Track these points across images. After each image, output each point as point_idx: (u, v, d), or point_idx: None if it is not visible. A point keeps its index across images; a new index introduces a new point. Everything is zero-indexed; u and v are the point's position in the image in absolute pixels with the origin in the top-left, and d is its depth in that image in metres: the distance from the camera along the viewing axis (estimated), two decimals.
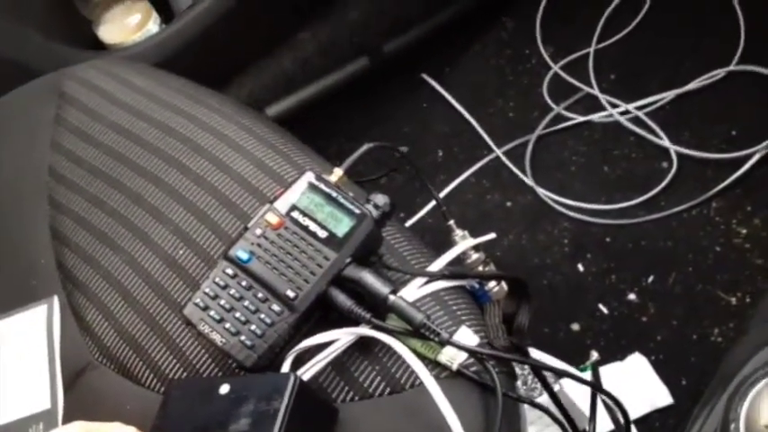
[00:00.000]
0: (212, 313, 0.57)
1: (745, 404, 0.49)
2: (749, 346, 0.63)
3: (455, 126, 1.35)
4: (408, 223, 1.24)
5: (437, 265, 0.63)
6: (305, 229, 0.59)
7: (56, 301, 0.70)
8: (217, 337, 0.57)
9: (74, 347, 0.67)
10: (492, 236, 0.66)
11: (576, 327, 1.11)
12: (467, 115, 1.33)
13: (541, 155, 1.27)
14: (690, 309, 1.09)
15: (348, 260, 0.58)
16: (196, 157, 0.72)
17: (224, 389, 0.54)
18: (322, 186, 0.60)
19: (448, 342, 0.55)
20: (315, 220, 0.59)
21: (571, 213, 1.20)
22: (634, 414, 1.01)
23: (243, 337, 0.56)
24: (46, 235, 0.74)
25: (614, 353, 1.07)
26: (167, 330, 0.64)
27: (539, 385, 0.95)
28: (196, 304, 0.58)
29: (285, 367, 0.56)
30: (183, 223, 0.69)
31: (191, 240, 0.68)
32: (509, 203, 1.25)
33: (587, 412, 0.65)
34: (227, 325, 0.57)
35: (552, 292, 1.15)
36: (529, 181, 1.25)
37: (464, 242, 0.66)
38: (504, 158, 1.28)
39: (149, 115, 0.77)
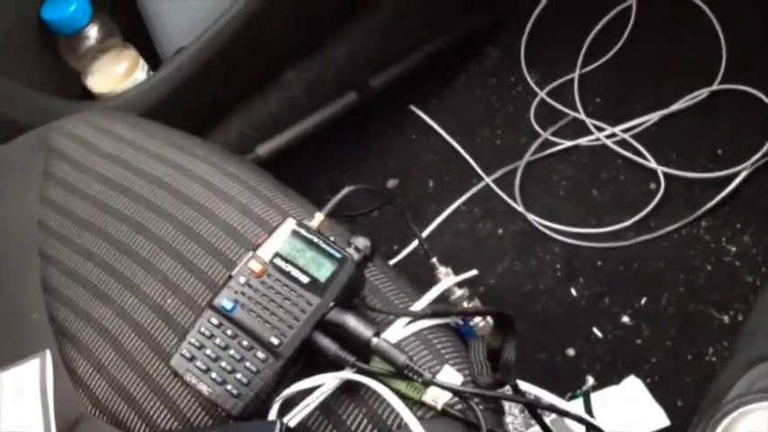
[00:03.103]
0: (198, 363, 0.58)
1: None
2: (735, 370, 0.63)
3: (444, 156, 1.36)
4: (399, 257, 1.24)
5: (420, 304, 0.64)
6: (287, 275, 0.60)
7: (48, 354, 0.70)
8: (204, 387, 0.58)
9: (67, 401, 0.68)
10: (474, 273, 0.67)
11: (571, 352, 1.12)
12: (455, 145, 1.35)
13: (531, 181, 1.29)
14: (683, 329, 1.09)
15: (331, 304, 0.59)
16: (182, 206, 0.74)
17: None
18: (303, 232, 0.61)
19: (431, 382, 0.56)
20: (297, 266, 0.60)
21: (562, 238, 1.21)
22: None
23: (229, 386, 0.57)
24: (37, 288, 0.75)
25: (610, 376, 1.07)
26: (158, 381, 0.65)
27: None
28: (182, 355, 0.59)
29: (272, 414, 0.57)
30: (171, 272, 0.70)
31: (178, 289, 0.68)
32: (500, 231, 1.26)
33: None
34: (214, 374, 0.58)
35: (546, 317, 1.16)
36: (519, 207, 1.26)
37: (447, 280, 0.67)
38: (493, 186, 1.29)
39: (136, 166, 0.78)
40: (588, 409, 0.89)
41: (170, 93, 1.09)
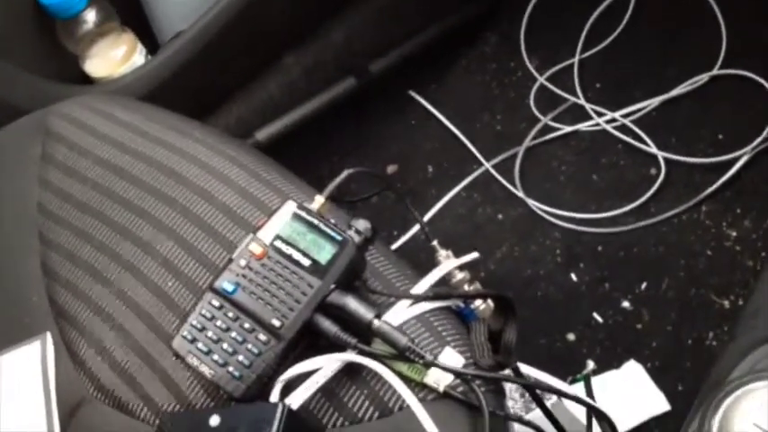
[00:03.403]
0: (200, 345, 0.58)
1: (719, 415, 0.49)
2: (736, 353, 0.63)
3: (444, 141, 1.35)
4: (399, 242, 1.24)
5: (421, 286, 0.64)
6: (288, 257, 0.60)
7: (49, 337, 0.70)
8: (205, 369, 0.58)
9: (68, 383, 0.68)
10: (475, 255, 0.66)
11: (571, 336, 1.12)
12: (455, 130, 1.34)
13: (530, 166, 1.28)
14: (684, 314, 1.09)
15: (332, 287, 0.59)
16: (182, 189, 0.73)
17: (214, 420, 0.54)
18: (304, 215, 0.61)
19: (432, 364, 0.56)
20: (298, 249, 0.60)
21: (562, 223, 1.21)
22: (631, 422, 1.01)
23: (231, 368, 0.57)
24: (37, 272, 0.75)
25: (610, 361, 1.07)
26: (159, 363, 0.65)
27: None
28: (184, 337, 0.59)
29: (274, 396, 0.57)
30: (171, 255, 0.69)
31: (178, 271, 0.68)
32: (500, 216, 1.26)
33: None
34: (215, 356, 0.58)
35: (546, 302, 1.16)
36: (519, 193, 1.25)
37: (447, 262, 0.66)
38: (493, 171, 1.29)
39: (134, 149, 0.78)
40: (589, 394, 0.88)
41: (168, 77, 1.08)
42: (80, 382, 0.67)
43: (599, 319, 1.12)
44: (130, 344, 0.67)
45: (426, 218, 1.27)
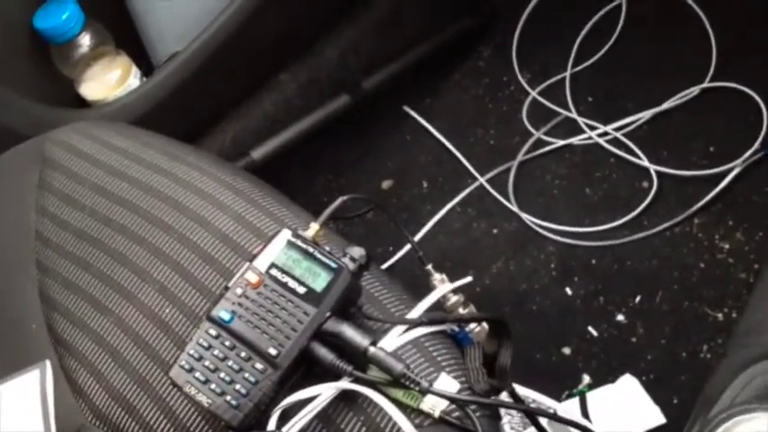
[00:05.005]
0: (197, 375, 0.59)
1: None
2: (729, 372, 0.64)
3: (438, 156, 1.36)
4: (394, 258, 1.25)
5: (416, 311, 0.64)
6: (284, 285, 0.60)
7: (48, 365, 0.71)
8: (203, 399, 0.58)
9: (67, 411, 0.68)
10: (468, 279, 0.67)
11: (566, 350, 1.13)
12: (449, 145, 1.35)
13: (524, 180, 1.29)
14: (678, 327, 1.10)
15: (328, 314, 0.59)
16: (178, 216, 0.74)
17: None
18: (299, 243, 0.62)
19: (428, 391, 0.57)
20: (293, 277, 0.60)
21: (556, 237, 1.22)
22: None
23: (228, 397, 0.58)
24: (36, 299, 0.75)
25: (605, 375, 1.08)
26: (158, 390, 0.65)
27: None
28: (181, 366, 0.59)
29: (271, 424, 0.58)
30: (168, 282, 0.70)
31: (176, 299, 0.69)
32: (495, 230, 1.27)
33: None
34: (213, 386, 0.58)
35: (542, 316, 1.17)
36: (513, 207, 1.26)
37: (442, 287, 0.67)
38: (487, 186, 1.30)
39: (130, 175, 0.79)
40: (584, 408, 0.89)
41: (164, 99, 1.09)
42: (79, 410, 0.68)
43: (594, 332, 1.13)
44: (128, 371, 0.67)
45: (421, 233, 1.28)
